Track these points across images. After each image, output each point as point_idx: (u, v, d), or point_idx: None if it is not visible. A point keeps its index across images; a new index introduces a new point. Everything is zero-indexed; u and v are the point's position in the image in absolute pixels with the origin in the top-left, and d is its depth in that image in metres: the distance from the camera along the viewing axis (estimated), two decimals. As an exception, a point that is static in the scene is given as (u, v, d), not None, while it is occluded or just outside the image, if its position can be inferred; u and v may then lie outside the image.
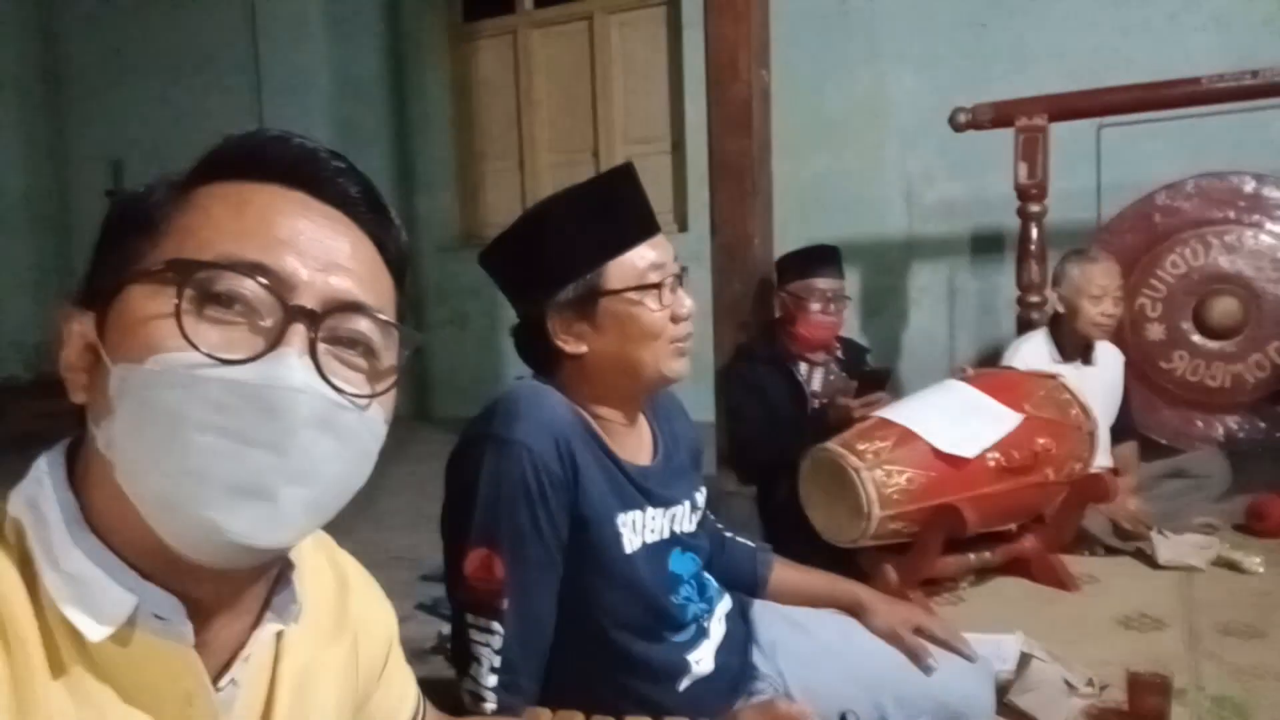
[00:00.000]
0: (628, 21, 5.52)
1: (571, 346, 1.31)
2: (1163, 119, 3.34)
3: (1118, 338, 3.11)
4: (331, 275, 0.66)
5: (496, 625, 1.22)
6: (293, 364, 0.62)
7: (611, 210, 1.31)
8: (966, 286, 4.34)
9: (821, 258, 2.92)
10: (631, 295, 1.29)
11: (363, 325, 0.67)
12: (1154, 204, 3.44)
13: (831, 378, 2.90)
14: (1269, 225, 3.32)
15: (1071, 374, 2.84)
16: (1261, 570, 2.52)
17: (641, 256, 1.31)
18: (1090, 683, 1.80)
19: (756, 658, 1.51)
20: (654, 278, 1.30)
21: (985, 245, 4.24)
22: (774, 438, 2.65)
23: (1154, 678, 1.75)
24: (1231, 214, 3.36)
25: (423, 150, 5.96)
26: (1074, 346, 3.02)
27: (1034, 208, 3.50)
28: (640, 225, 1.33)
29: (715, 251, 3.18)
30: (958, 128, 3.64)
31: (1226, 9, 3.89)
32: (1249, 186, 3.33)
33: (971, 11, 4.34)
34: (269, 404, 0.61)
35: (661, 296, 1.31)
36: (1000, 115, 3.53)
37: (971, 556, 2.40)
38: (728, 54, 3.14)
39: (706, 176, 3.23)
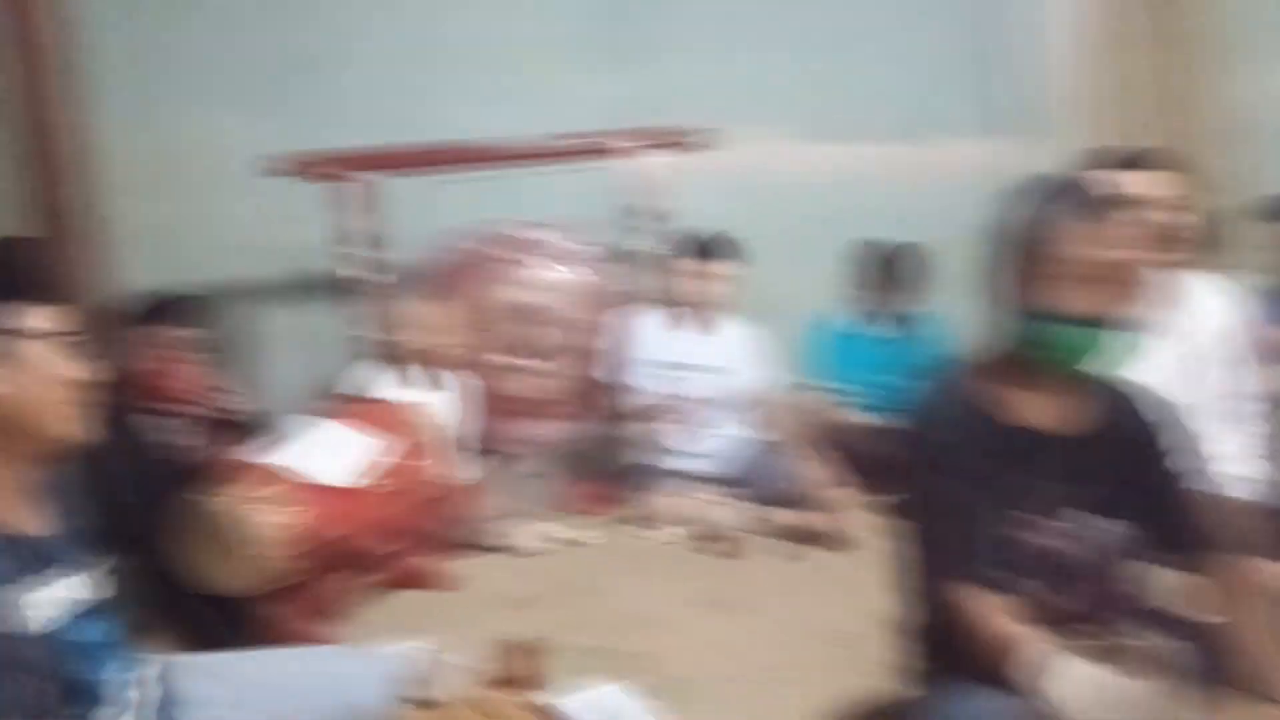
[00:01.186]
0: None
1: None
2: (475, 175, 3.91)
3: (459, 364, 3.54)
4: None
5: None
6: None
7: (9, 265, 1.30)
8: (319, 327, 4.48)
9: (172, 305, 2.82)
10: (29, 340, 1.27)
11: None
12: (470, 248, 3.98)
13: (203, 427, 2.82)
14: (557, 264, 4.07)
15: (426, 399, 3.19)
16: (593, 542, 3.14)
17: (37, 311, 1.29)
18: (480, 661, 2.08)
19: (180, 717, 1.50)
20: (50, 329, 1.30)
21: (331, 287, 4.44)
22: (147, 497, 2.50)
23: (528, 644, 2.10)
24: (529, 255, 4.05)
25: None
26: (423, 376, 3.38)
27: (368, 252, 3.83)
28: (37, 287, 1.32)
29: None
30: (273, 175, 3.76)
31: (533, 83, 4.59)
32: (541, 232, 4.04)
33: (289, 60, 4.49)
34: None
35: (57, 352, 1.30)
36: (310, 168, 3.77)
37: (366, 578, 2.57)
38: (31, 97, 2.86)
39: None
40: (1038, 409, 1.39)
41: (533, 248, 4.01)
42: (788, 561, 2.79)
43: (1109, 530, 1.39)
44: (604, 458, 3.82)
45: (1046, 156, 4.35)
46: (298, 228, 4.20)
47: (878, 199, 4.65)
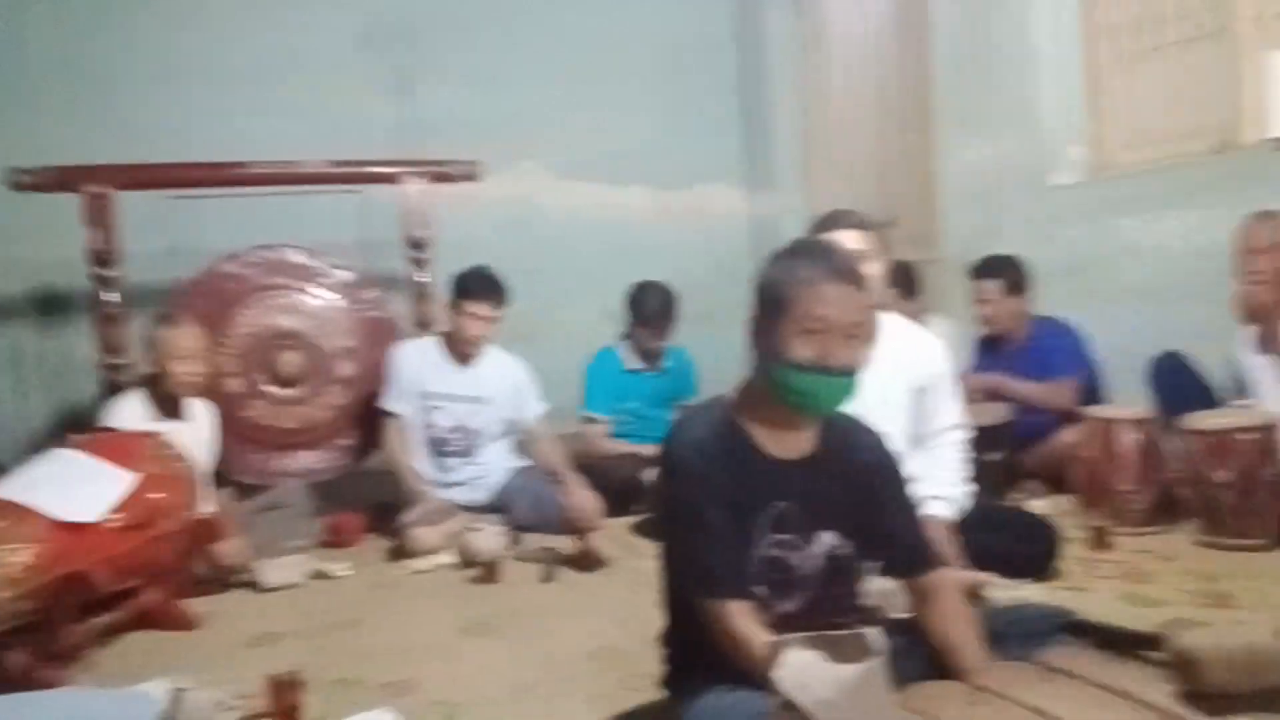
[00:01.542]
0: None
1: None
2: (229, 194, 3.77)
3: (208, 391, 3.38)
4: None
5: None
6: None
7: None
8: (39, 350, 4.13)
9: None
10: None
11: None
12: (222, 270, 3.78)
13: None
14: (313, 290, 3.93)
15: (170, 429, 3.02)
16: (347, 574, 3.09)
17: None
18: (238, 697, 2.03)
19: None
20: None
21: (56, 307, 4.10)
22: None
23: (286, 678, 2.06)
24: (286, 280, 3.88)
25: None
26: (168, 404, 3.20)
27: (107, 271, 3.60)
28: None
29: None
30: (17, 188, 3.56)
31: (303, 105, 4.45)
32: (298, 256, 3.90)
33: (50, 68, 4.16)
34: None
35: None
36: (61, 180, 3.59)
37: (100, 620, 2.41)
38: None
39: None
40: (778, 439, 1.58)
41: (288, 271, 3.89)
42: (547, 583, 2.89)
43: (831, 542, 1.60)
44: (360, 488, 3.76)
45: (791, 208, 4.82)
46: (39, 243, 3.87)
47: (641, 238, 4.93)
